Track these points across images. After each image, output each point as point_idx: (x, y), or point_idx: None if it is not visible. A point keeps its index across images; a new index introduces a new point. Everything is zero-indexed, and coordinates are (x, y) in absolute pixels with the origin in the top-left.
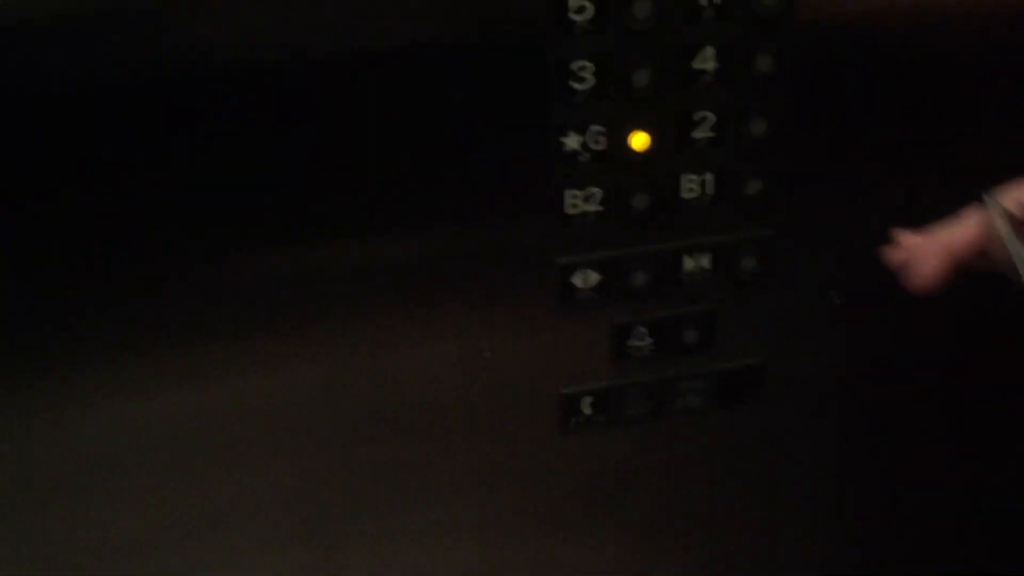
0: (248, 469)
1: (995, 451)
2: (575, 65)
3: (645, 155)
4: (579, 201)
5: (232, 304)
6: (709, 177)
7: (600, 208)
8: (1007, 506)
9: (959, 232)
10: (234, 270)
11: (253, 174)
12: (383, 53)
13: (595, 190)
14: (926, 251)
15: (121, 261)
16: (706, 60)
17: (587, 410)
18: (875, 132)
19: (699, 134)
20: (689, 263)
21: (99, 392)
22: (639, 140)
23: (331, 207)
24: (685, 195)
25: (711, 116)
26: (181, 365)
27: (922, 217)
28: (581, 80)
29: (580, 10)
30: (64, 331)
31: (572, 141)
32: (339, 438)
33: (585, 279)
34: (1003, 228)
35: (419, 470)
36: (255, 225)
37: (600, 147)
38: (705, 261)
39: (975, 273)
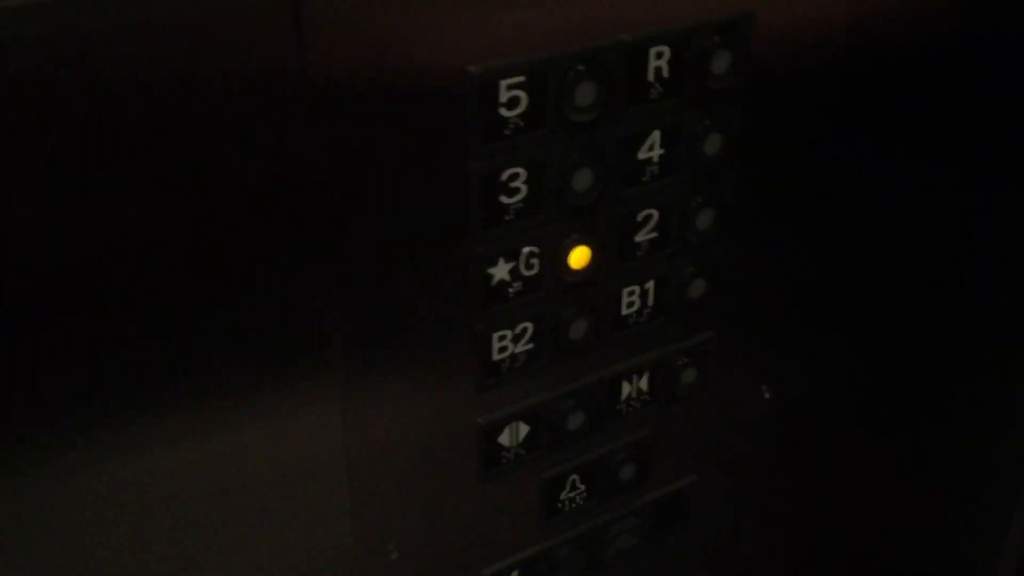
0: None
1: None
2: (507, 174)
3: (584, 273)
4: (508, 343)
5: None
6: (650, 286)
7: (530, 346)
8: None
9: None
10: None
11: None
12: None
13: (526, 325)
14: None
15: None
16: (652, 148)
17: None
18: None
19: (642, 237)
20: (627, 388)
21: None
22: (578, 256)
23: None
24: (625, 311)
25: (655, 214)
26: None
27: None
28: (513, 192)
29: (513, 103)
30: None
31: (501, 271)
32: None
33: (513, 435)
34: None
35: None
36: None
37: (533, 272)
38: (643, 383)
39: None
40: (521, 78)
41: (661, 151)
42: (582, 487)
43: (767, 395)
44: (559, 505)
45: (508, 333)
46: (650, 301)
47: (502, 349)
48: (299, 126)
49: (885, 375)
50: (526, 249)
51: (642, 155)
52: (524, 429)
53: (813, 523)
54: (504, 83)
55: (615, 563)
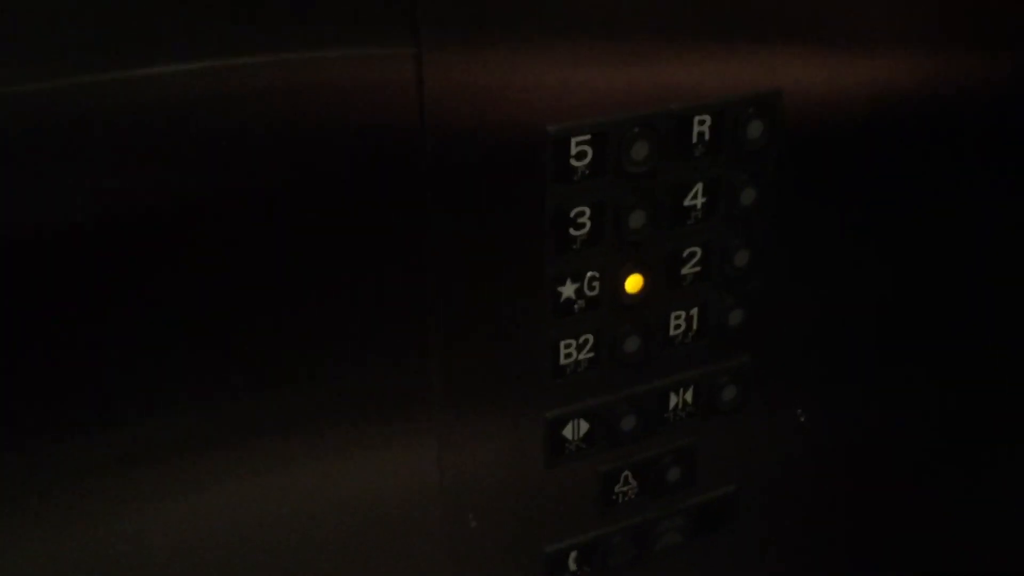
0: None
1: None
2: (574, 212)
3: (638, 297)
4: (572, 350)
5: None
6: (695, 312)
7: (591, 355)
8: None
9: None
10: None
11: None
12: None
13: (588, 337)
14: None
15: None
16: (695, 197)
17: (572, 566)
18: (843, 261)
19: (687, 270)
20: (674, 399)
21: None
22: (633, 282)
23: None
24: (673, 332)
25: (699, 251)
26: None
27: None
28: (580, 227)
29: (581, 156)
30: None
31: (568, 289)
32: None
33: (575, 430)
34: None
35: None
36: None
37: (595, 293)
38: (688, 395)
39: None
40: (588, 136)
41: (704, 199)
42: (634, 483)
43: (803, 418)
44: (614, 497)
45: (573, 342)
46: (694, 325)
47: (567, 355)
48: (413, 172)
49: (914, 406)
50: (589, 273)
51: (687, 202)
52: (584, 426)
53: (844, 543)
54: (574, 140)
55: (662, 558)
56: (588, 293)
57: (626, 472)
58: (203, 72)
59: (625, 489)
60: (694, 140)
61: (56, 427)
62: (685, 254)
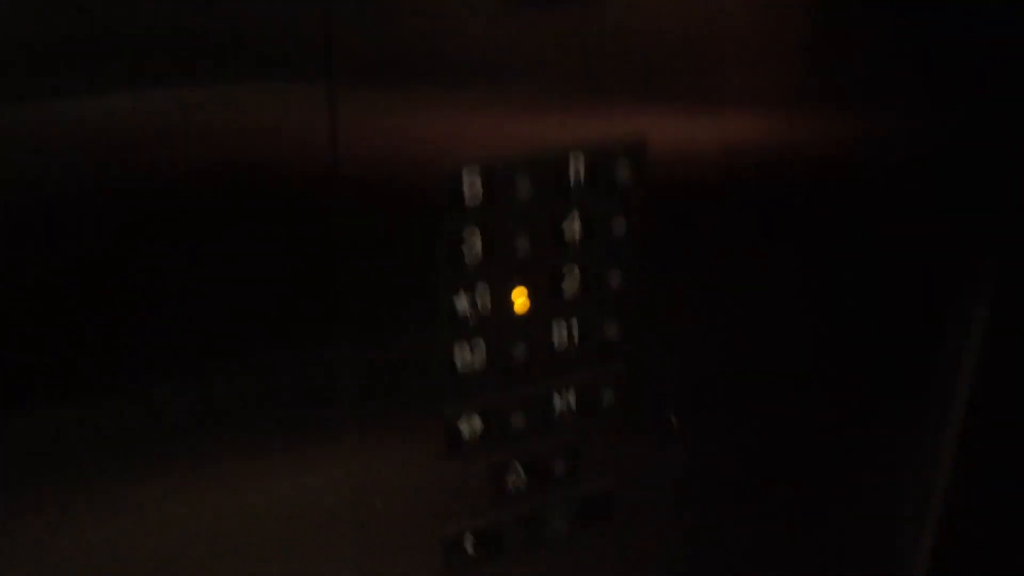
0: None
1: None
2: (465, 232)
3: (524, 309)
4: (467, 354)
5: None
6: (575, 323)
7: (483, 358)
8: None
9: None
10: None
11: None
12: None
13: (479, 341)
14: None
15: None
16: (573, 225)
17: (470, 549)
18: (704, 281)
19: (567, 287)
20: (558, 400)
21: None
22: (518, 295)
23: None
24: (556, 341)
25: (577, 271)
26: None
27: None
28: (471, 247)
29: (472, 186)
30: None
31: (462, 301)
32: None
33: (470, 425)
34: None
35: None
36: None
37: (485, 304)
38: (571, 397)
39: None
40: (478, 171)
41: (580, 226)
42: (523, 475)
43: (674, 421)
44: (505, 487)
45: (467, 345)
46: (575, 336)
47: (462, 359)
48: (326, 204)
49: (780, 412)
50: (479, 286)
51: (566, 229)
52: (478, 421)
53: (721, 541)
54: (466, 173)
55: (553, 547)
56: (479, 304)
57: (515, 463)
58: (122, 103)
59: (515, 478)
60: (571, 177)
61: None
62: (564, 272)
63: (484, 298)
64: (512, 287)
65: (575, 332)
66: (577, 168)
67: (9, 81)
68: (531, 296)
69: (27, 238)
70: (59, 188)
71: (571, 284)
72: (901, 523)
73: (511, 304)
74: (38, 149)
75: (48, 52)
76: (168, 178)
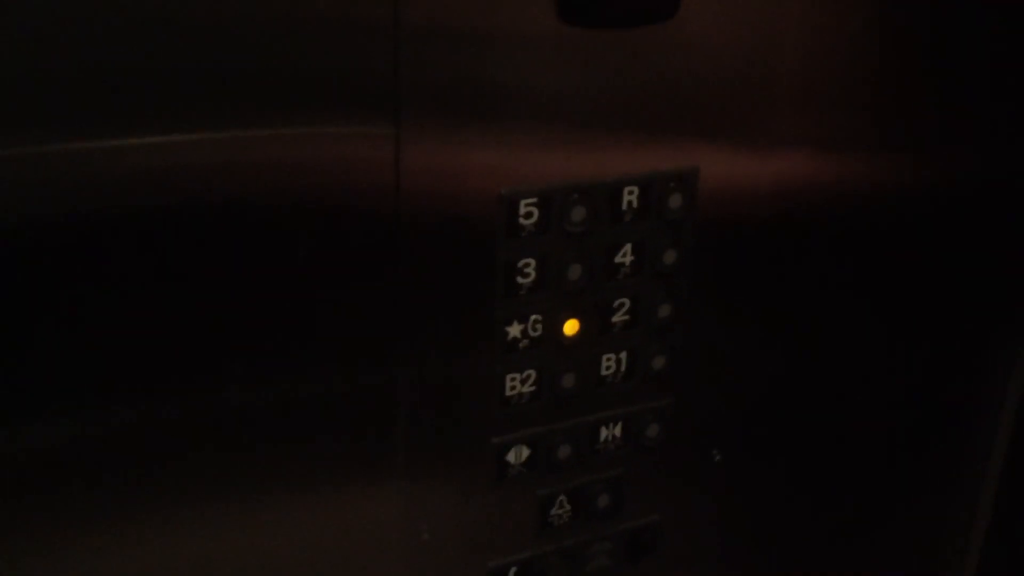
0: None
1: None
2: (521, 263)
3: (574, 339)
4: (517, 383)
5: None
6: (624, 355)
7: (533, 388)
8: None
9: None
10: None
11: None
12: None
13: (531, 372)
14: None
15: None
16: (625, 255)
17: None
18: (752, 316)
19: (617, 319)
20: (604, 432)
21: None
22: (570, 326)
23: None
24: (604, 372)
25: (627, 302)
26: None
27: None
28: (525, 276)
29: (528, 215)
30: None
31: (515, 330)
32: None
33: (518, 455)
34: None
35: None
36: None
37: (537, 334)
38: (617, 430)
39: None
40: (535, 199)
41: (632, 257)
42: (568, 507)
43: (718, 457)
44: (550, 519)
45: (518, 376)
46: (623, 367)
47: (512, 388)
48: (387, 232)
49: (824, 451)
50: (533, 316)
51: (618, 259)
52: (526, 451)
53: (766, 573)
54: (523, 201)
55: None
56: (532, 334)
57: (561, 496)
58: (199, 143)
59: (560, 512)
60: (624, 207)
61: None
62: (615, 304)
63: (536, 327)
64: (564, 316)
65: (623, 364)
66: (630, 199)
67: (84, 118)
68: (582, 326)
69: (101, 276)
70: (132, 225)
71: (621, 315)
72: (945, 558)
73: (562, 333)
74: (105, 188)
75: (122, 92)
76: (240, 210)
